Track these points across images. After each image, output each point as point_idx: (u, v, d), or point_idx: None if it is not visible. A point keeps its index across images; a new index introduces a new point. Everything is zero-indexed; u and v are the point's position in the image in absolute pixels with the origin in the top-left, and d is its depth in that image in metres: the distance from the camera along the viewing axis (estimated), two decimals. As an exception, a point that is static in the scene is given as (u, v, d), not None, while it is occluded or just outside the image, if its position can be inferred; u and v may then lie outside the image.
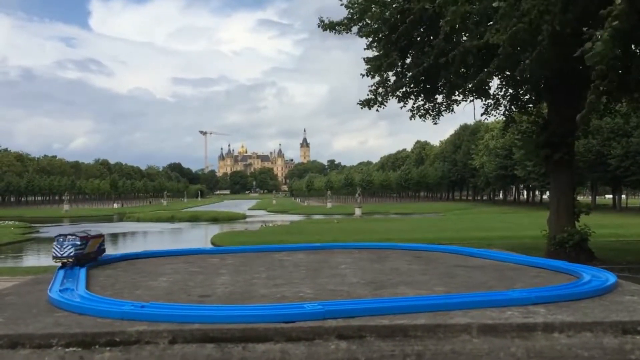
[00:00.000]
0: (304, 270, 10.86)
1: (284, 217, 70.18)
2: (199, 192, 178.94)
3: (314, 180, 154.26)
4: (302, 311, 6.41)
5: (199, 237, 39.29)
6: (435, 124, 17.20)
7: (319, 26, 15.63)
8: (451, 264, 11.37)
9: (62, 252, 7.13)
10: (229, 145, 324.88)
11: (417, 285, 8.84)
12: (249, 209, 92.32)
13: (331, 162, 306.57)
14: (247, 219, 62.81)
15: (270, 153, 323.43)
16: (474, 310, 6.87)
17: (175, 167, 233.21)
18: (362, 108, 16.48)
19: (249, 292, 8.39)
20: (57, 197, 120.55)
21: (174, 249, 14.50)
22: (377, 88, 16.37)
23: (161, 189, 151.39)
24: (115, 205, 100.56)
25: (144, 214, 65.70)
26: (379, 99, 16.46)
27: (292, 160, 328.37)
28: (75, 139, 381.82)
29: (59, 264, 7.67)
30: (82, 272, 6.98)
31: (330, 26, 15.47)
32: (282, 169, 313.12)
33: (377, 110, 16.69)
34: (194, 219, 60.40)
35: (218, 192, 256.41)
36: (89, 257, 7.07)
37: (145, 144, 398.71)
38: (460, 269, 10.63)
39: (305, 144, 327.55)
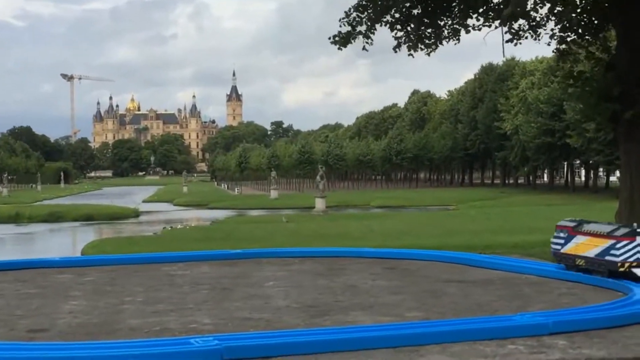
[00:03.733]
0: (207, 289, 11.23)
1: (201, 214, 69.45)
2: (63, 173, 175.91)
3: (250, 153, 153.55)
4: (187, 349, 6.73)
5: (61, 248, 38.92)
6: (428, 54, 17.40)
7: None
8: (441, 278, 11.92)
9: None
10: (111, 99, 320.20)
11: (381, 309, 9.31)
12: (144, 202, 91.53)
13: (278, 124, 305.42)
14: (142, 218, 62.30)
15: (179, 110, 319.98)
16: (459, 344, 7.28)
17: (22, 134, 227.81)
18: (338, 48, 16.57)
19: (110, 323, 8.69)
20: None
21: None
22: (356, 10, 16.35)
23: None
24: None
25: (-34, 210, 64.29)
26: (361, 28, 16.52)
27: (214, 122, 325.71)
28: None
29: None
30: None
31: None
32: (198, 137, 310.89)
33: (364, 48, 16.80)
34: (55, 217, 59.46)
35: (94, 173, 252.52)
36: None
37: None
38: (452, 285, 11.20)
39: (235, 97, 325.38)
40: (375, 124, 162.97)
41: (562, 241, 12.28)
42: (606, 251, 11.15)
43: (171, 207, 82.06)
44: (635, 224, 11.37)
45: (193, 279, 11.64)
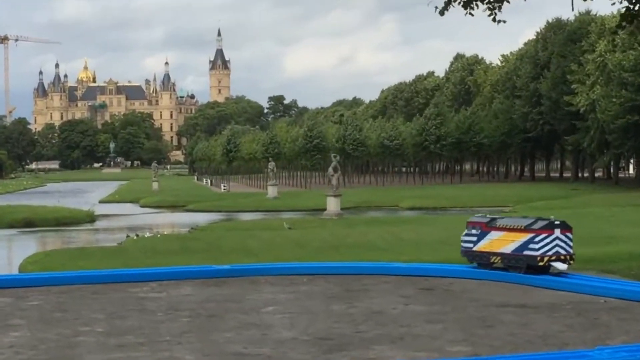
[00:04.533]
0: (188, 317, 11.21)
1: (176, 218, 70.28)
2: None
3: (241, 138, 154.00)
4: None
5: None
6: (497, 21, 17.47)
7: None
8: (493, 301, 12.02)
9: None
10: (58, 67, 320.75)
11: (414, 342, 9.37)
12: (102, 202, 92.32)
13: (277, 100, 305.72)
14: (98, 223, 63.44)
15: (147, 82, 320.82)
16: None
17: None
18: None
19: (64, 359, 8.61)
20: None
21: None
22: None
23: None
24: None
25: None
26: None
27: (193, 97, 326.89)
28: None
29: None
30: None
31: None
32: (172, 116, 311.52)
33: None
34: (-16, 222, 59.86)
35: (35, 164, 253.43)
36: None
37: None
38: (508, 311, 11.33)
39: (221, 64, 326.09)
40: (406, 98, 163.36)
41: (474, 239, 14.45)
42: (524, 246, 13.18)
43: (137, 210, 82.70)
44: (552, 217, 13.98)
45: (169, 303, 11.50)
